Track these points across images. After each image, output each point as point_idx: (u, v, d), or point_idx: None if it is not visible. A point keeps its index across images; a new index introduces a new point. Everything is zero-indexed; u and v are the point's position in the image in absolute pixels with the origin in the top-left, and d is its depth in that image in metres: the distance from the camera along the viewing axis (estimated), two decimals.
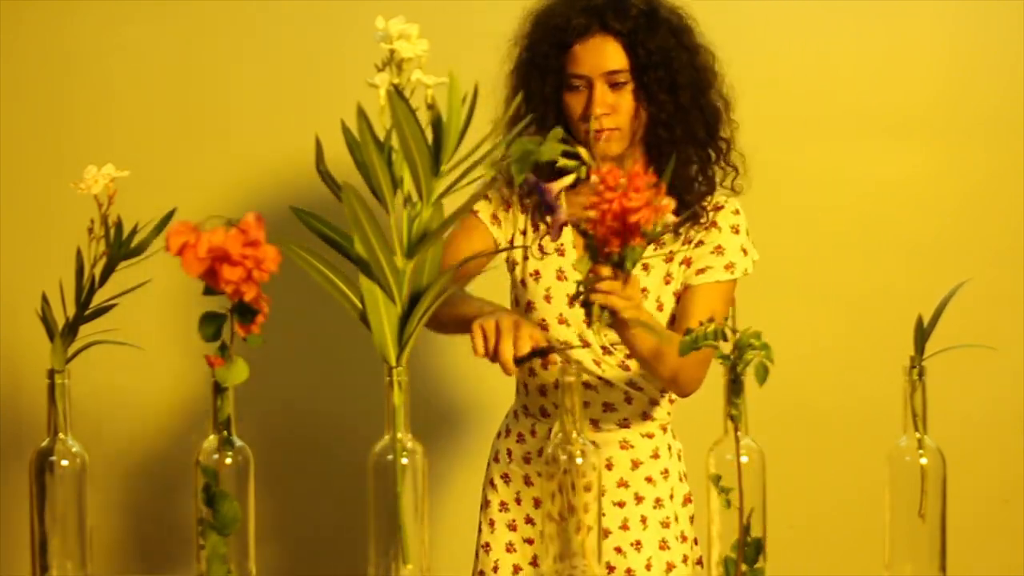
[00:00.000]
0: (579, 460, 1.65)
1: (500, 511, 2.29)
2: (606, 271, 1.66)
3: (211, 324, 1.55)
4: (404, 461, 1.60)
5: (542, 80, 2.18)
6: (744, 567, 1.62)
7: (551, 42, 2.18)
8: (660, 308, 2.21)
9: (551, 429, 2.21)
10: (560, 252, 2.25)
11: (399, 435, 1.60)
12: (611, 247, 1.59)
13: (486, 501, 2.33)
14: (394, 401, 1.59)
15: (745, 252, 2.21)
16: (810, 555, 2.98)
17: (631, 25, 2.15)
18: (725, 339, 1.62)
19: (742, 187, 2.27)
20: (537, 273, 2.24)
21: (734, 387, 1.63)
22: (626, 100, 2.17)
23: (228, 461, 1.61)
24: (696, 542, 2.31)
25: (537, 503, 2.24)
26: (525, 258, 2.27)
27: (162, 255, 1.55)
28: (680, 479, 2.30)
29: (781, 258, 3.07)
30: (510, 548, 2.27)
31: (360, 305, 1.62)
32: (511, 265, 2.30)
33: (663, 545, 2.23)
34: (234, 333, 1.55)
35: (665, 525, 2.24)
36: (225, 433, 1.61)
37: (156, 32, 3.01)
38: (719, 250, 2.20)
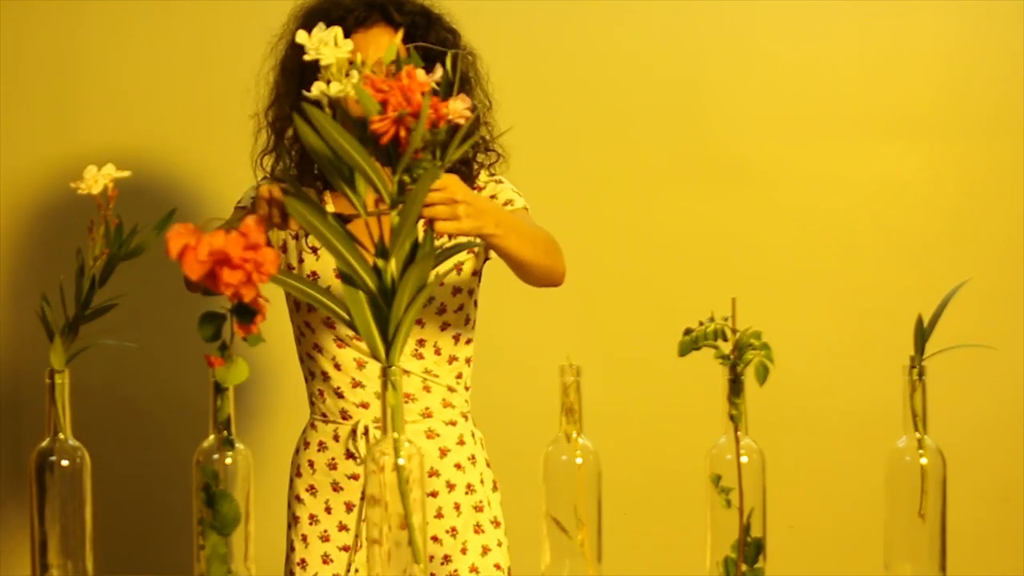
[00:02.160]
0: (579, 461, 1.65)
1: (311, 524, 2.30)
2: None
3: (211, 324, 1.55)
4: (401, 461, 1.60)
5: (316, 71, 2.05)
6: (744, 567, 1.62)
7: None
8: (440, 284, 2.23)
9: (355, 429, 2.25)
10: (314, 251, 2.25)
11: (396, 435, 1.60)
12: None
13: (295, 518, 2.32)
14: (389, 401, 1.59)
15: (519, 195, 2.27)
16: (810, 555, 2.98)
17: (410, 20, 2.20)
18: (725, 339, 1.63)
19: (498, 171, 2.30)
20: (315, 274, 2.24)
21: (734, 387, 1.63)
22: None
23: (228, 461, 1.61)
24: None
25: (349, 507, 2.27)
26: (301, 260, 2.25)
27: (162, 255, 1.55)
28: (487, 465, 2.34)
29: (781, 258, 3.08)
30: (326, 560, 2.29)
31: (347, 316, 1.62)
32: (287, 268, 2.27)
33: (477, 529, 2.27)
34: (234, 333, 1.55)
35: (478, 509, 2.28)
36: (225, 433, 1.61)
37: (157, 32, 3.02)
38: (492, 197, 2.24)
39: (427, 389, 2.27)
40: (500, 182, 2.29)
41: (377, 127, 1.58)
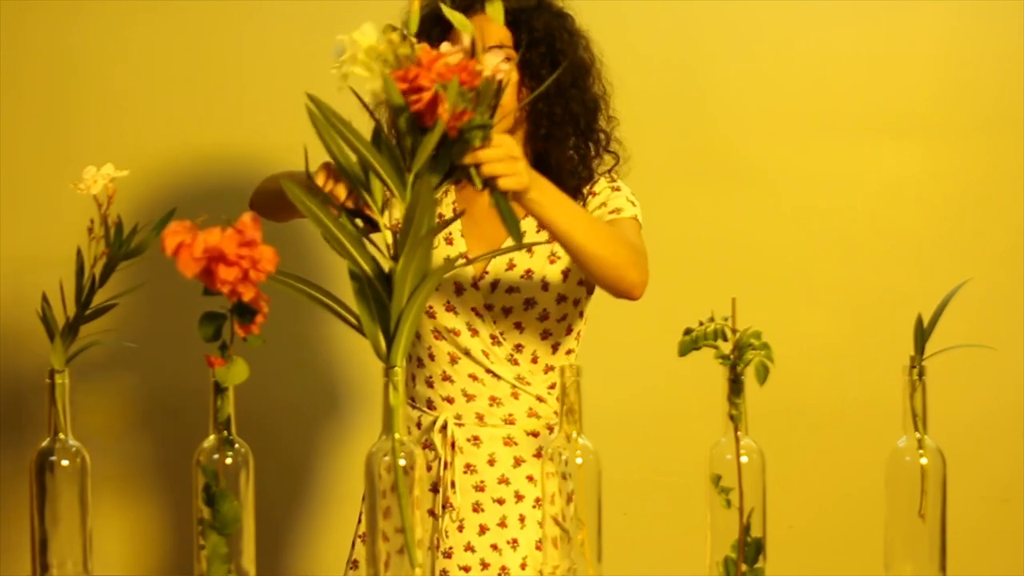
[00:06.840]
0: (579, 461, 1.65)
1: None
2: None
3: (211, 324, 1.55)
4: (402, 463, 1.60)
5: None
6: (744, 567, 1.62)
7: (436, 21, 2.14)
8: (545, 288, 2.20)
9: (435, 421, 2.23)
10: (448, 241, 2.23)
11: (397, 435, 1.60)
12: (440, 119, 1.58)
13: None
14: (391, 402, 1.59)
15: (633, 204, 2.21)
16: (810, 555, 2.98)
17: (516, 4, 2.17)
18: (725, 339, 1.63)
19: (619, 175, 2.27)
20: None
21: (734, 387, 1.63)
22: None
23: (228, 461, 1.61)
24: None
25: None
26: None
27: (163, 255, 1.55)
28: (565, 479, 2.29)
29: (781, 258, 3.07)
30: (384, 538, 2.27)
31: (355, 321, 1.61)
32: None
33: (539, 546, 2.17)
34: (234, 333, 1.55)
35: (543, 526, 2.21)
36: (225, 433, 1.61)
37: (156, 32, 3.01)
38: (602, 204, 2.20)
39: (515, 396, 2.24)
40: (617, 189, 2.23)
41: (416, 108, 1.57)
